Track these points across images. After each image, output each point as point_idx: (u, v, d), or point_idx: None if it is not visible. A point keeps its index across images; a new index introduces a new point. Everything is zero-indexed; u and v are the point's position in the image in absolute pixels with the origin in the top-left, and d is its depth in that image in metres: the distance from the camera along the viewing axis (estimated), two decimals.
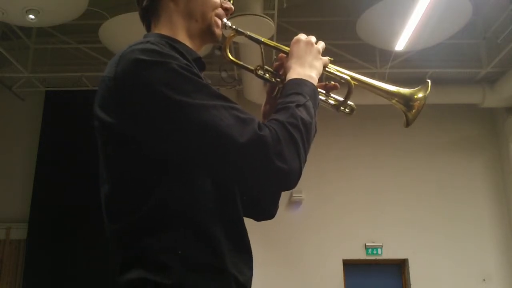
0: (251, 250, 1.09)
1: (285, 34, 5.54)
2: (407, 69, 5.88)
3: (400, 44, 5.00)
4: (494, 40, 5.56)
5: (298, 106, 1.05)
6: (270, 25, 4.45)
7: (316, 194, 6.29)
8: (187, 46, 1.14)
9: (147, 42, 1.01)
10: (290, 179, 0.99)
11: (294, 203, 6.23)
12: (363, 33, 5.07)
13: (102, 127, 1.01)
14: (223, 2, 1.21)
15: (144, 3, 1.17)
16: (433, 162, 6.40)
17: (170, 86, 0.94)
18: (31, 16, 4.15)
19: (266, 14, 4.50)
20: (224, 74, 5.73)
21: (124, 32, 4.56)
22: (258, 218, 1.32)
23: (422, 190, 6.32)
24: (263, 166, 0.94)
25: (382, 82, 1.26)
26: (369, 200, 6.30)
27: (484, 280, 6.05)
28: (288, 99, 1.07)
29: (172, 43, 1.07)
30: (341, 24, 5.73)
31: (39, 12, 4.16)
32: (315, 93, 1.14)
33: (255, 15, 4.33)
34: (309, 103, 1.08)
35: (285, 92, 1.11)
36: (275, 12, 4.72)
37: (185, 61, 0.99)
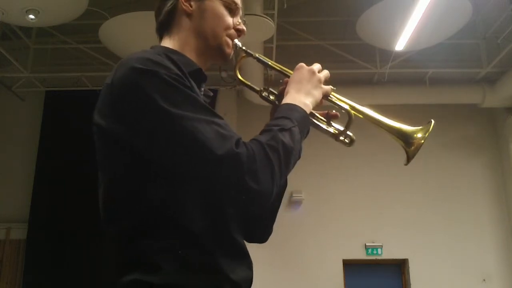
0: (245, 250, 1.11)
1: (285, 34, 5.54)
2: (407, 69, 5.88)
3: (400, 44, 5.00)
4: (494, 40, 5.57)
5: (282, 130, 1.05)
6: (270, 25, 4.45)
7: (316, 194, 6.30)
8: (188, 58, 1.16)
9: (145, 51, 1.05)
10: (260, 200, 0.98)
11: (294, 203, 6.22)
12: (363, 33, 5.07)
13: (97, 131, 1.05)
14: (236, 23, 1.23)
15: (161, 17, 1.22)
16: (433, 162, 6.39)
17: (157, 93, 0.97)
18: (31, 16, 4.15)
19: (266, 14, 4.50)
20: (224, 74, 5.72)
21: (124, 32, 4.56)
22: (249, 240, 1.26)
23: (422, 190, 6.32)
24: (234, 182, 0.95)
25: (384, 116, 1.23)
26: (369, 200, 6.30)
27: (484, 280, 6.05)
28: (275, 122, 1.07)
29: (171, 54, 1.09)
30: (341, 24, 5.72)
31: (39, 12, 4.16)
32: (305, 120, 1.13)
33: (255, 15, 4.33)
34: (296, 129, 1.08)
35: (275, 115, 1.12)
36: (275, 12, 4.71)
37: (176, 71, 1.02)
